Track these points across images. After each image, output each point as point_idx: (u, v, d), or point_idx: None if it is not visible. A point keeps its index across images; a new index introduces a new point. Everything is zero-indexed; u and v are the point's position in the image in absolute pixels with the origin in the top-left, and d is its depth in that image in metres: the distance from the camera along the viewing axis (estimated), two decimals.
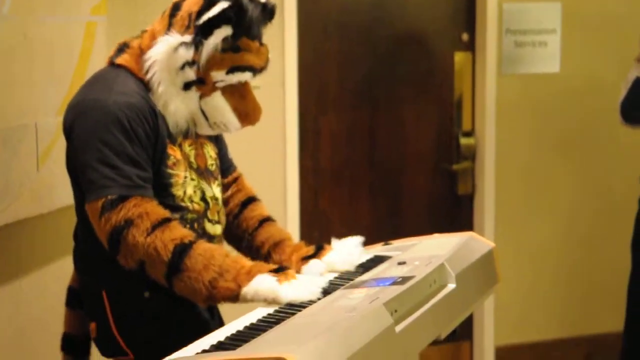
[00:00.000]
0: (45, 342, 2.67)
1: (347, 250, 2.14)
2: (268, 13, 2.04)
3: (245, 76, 2.02)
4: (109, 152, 1.90)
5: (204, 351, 1.59)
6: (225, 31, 1.95)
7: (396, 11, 4.10)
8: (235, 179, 2.32)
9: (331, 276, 2.05)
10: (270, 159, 3.78)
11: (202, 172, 2.11)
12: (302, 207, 3.95)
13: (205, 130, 2.08)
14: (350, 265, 2.11)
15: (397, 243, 2.36)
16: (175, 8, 2.01)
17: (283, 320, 1.70)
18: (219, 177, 2.21)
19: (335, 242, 2.18)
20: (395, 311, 1.69)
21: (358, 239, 2.20)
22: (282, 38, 3.78)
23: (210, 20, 1.94)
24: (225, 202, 2.27)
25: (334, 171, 4.09)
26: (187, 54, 1.95)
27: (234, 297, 1.86)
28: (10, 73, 2.51)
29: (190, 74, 1.98)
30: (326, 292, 1.88)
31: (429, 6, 4.16)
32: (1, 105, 2.47)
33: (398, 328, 1.67)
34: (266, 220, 2.28)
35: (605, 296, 4.48)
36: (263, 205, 2.34)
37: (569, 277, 4.44)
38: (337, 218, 4.09)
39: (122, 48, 2.07)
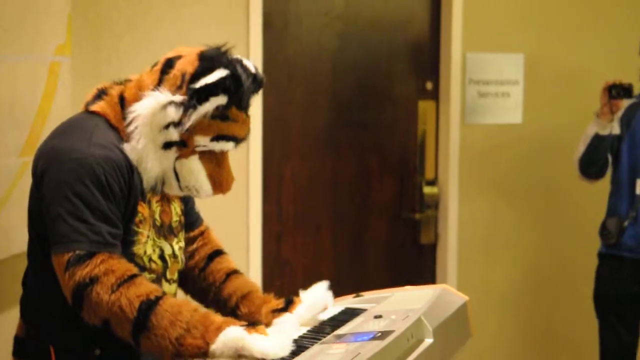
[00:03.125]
0: None
1: (313, 298, 2.11)
2: (257, 85, 2.01)
3: (229, 146, 1.98)
4: (82, 206, 1.84)
5: None
6: (220, 100, 1.90)
7: (360, 59, 4.10)
8: (202, 232, 2.27)
9: (302, 330, 2.00)
10: (233, 205, 3.72)
11: (164, 230, 2.06)
12: (265, 254, 3.89)
13: (173, 191, 2.03)
14: (317, 311, 2.08)
15: (368, 295, 2.32)
16: (168, 64, 1.95)
17: None
18: (181, 234, 2.16)
19: (302, 294, 2.14)
20: None
21: (324, 284, 2.16)
22: None
23: (207, 86, 1.89)
24: (191, 255, 2.23)
25: (297, 218, 4.05)
26: (175, 114, 1.89)
27: (203, 354, 1.79)
28: None
29: (174, 135, 1.92)
30: (299, 346, 1.82)
31: (393, 54, 4.17)
32: None
33: None
34: (233, 272, 2.23)
35: (567, 345, 4.47)
36: (230, 259, 2.29)
37: (530, 325, 4.44)
38: (300, 266, 4.04)
39: (100, 95, 2.01)
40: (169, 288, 2.07)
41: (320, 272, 4.07)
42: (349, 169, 4.13)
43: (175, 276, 2.10)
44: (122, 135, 1.95)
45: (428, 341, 1.91)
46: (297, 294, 2.15)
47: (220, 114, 1.93)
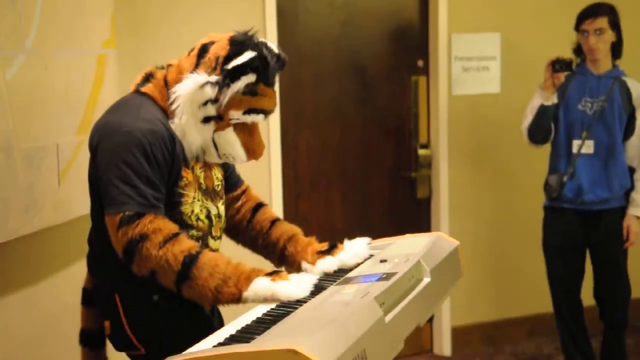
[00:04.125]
0: (65, 337, 2.59)
1: (356, 251, 2.09)
2: (281, 64, 1.99)
3: (259, 118, 1.96)
4: (130, 172, 1.84)
5: (220, 344, 1.53)
6: (250, 78, 1.90)
7: (361, 42, 4.08)
8: (244, 191, 2.26)
9: (317, 276, 1.99)
10: (258, 170, 3.73)
11: (209, 193, 2.06)
12: (285, 210, 3.91)
13: (213, 159, 2.02)
14: (359, 259, 2.06)
15: (375, 242, 2.31)
16: (204, 49, 1.94)
17: (286, 315, 1.65)
18: (224, 196, 2.15)
19: (346, 242, 2.13)
20: (383, 304, 1.66)
21: (365, 239, 2.15)
22: None
23: (238, 66, 1.88)
24: (238, 210, 2.22)
25: (311, 180, 4.05)
26: (211, 92, 1.89)
27: (237, 300, 1.80)
28: (33, 100, 2.44)
29: (211, 110, 1.92)
30: (317, 288, 1.84)
31: (388, 37, 4.14)
32: (25, 128, 2.39)
33: (387, 318, 1.63)
34: (277, 220, 2.23)
35: (544, 282, 4.49)
36: (270, 209, 2.28)
37: (510, 266, 4.44)
38: (315, 220, 4.05)
39: (148, 78, 2.01)
40: (214, 244, 2.06)
41: (332, 224, 4.08)
42: (353, 137, 4.12)
43: (219, 233, 2.09)
44: (167, 112, 1.94)
45: (426, 280, 1.92)
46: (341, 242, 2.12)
47: (250, 90, 1.91)
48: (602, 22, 3.50)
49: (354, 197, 4.15)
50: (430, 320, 2.07)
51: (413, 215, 4.27)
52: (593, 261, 3.72)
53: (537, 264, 4.44)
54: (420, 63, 4.19)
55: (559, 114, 3.60)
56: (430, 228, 4.26)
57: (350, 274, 1.94)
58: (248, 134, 1.99)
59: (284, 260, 2.15)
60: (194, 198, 1.99)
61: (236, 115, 1.94)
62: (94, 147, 1.93)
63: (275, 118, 3.79)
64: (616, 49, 3.59)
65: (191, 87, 1.89)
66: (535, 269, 4.45)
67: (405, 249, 2.08)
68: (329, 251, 2.08)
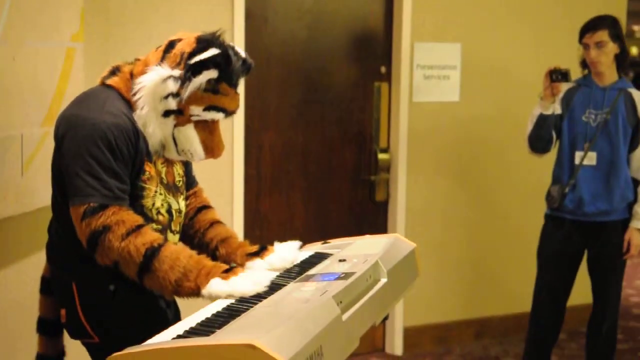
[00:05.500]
0: (25, 324, 2.55)
1: (285, 255, 2.06)
2: (247, 67, 2.00)
3: (218, 115, 1.96)
4: (95, 164, 1.83)
5: (179, 336, 1.52)
6: (211, 73, 1.89)
7: (326, 47, 4.09)
8: (195, 192, 2.26)
9: (276, 272, 1.98)
10: (221, 168, 3.71)
11: (171, 187, 2.05)
12: (246, 209, 3.89)
13: (172, 154, 2.01)
14: (286, 263, 2.03)
15: (334, 242, 2.32)
16: (170, 45, 1.94)
17: (246, 310, 1.64)
18: (184, 192, 2.15)
19: (276, 245, 2.11)
20: (341, 302, 1.66)
21: (296, 243, 2.13)
22: None
23: (201, 61, 1.88)
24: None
25: (273, 179, 4.04)
26: (173, 86, 1.89)
27: (196, 294, 1.81)
28: (0, 90, 2.39)
29: (172, 104, 1.91)
30: (276, 284, 1.84)
31: (353, 43, 4.15)
32: None
33: (344, 317, 1.64)
34: (216, 222, 2.22)
35: (491, 286, 4.54)
36: (215, 212, 2.27)
37: (462, 269, 4.49)
38: (275, 219, 4.04)
39: (114, 71, 2.00)
40: (173, 238, 2.06)
41: (293, 224, 4.08)
42: (316, 139, 4.13)
43: (178, 228, 2.10)
44: (132, 105, 1.94)
45: (383, 280, 1.93)
46: (272, 244, 2.11)
47: (212, 87, 1.91)
48: (603, 35, 3.44)
49: (315, 197, 4.15)
50: (385, 320, 2.08)
51: (371, 217, 4.29)
52: (590, 272, 3.65)
53: (488, 267, 4.50)
54: (383, 69, 4.22)
55: (563, 125, 3.55)
56: (387, 230, 4.27)
57: (310, 272, 1.94)
58: (208, 132, 1.98)
59: (215, 260, 2.10)
60: (156, 192, 1.98)
61: (197, 111, 1.93)
62: (59, 138, 1.92)
63: (239, 117, 3.78)
64: (621, 61, 3.52)
65: (154, 79, 1.89)
66: (485, 271, 4.52)
67: (364, 250, 2.08)
68: (258, 253, 2.07)
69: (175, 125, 1.94)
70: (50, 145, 2.00)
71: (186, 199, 2.23)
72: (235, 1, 3.71)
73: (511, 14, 4.42)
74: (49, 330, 2.16)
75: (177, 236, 2.10)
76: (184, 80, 1.88)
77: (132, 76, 1.96)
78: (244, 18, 3.75)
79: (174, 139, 1.96)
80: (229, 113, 1.98)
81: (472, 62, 4.34)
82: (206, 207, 2.25)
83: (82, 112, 1.89)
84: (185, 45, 1.92)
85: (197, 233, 2.19)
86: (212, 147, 2.00)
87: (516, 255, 4.53)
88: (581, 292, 3.87)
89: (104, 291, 1.95)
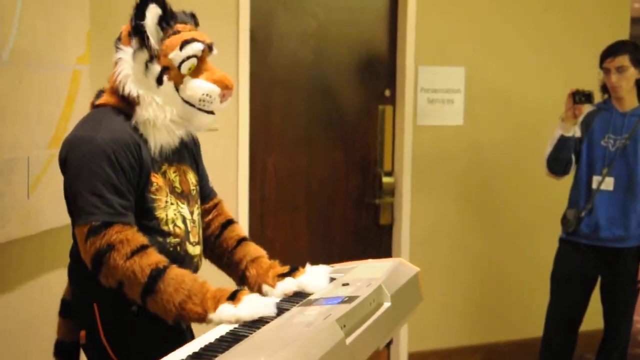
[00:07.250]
0: (31, 346, 2.55)
1: (317, 276, 2.05)
2: (190, 15, 2.03)
3: (197, 46, 1.95)
4: (96, 181, 1.83)
5: None
6: (153, 10, 1.91)
7: (330, 70, 4.11)
8: (216, 205, 2.24)
9: (279, 299, 1.98)
10: (225, 190, 3.71)
11: (186, 196, 2.04)
12: (250, 232, 3.90)
13: (198, 119, 1.98)
14: (318, 289, 2.01)
15: (337, 266, 2.31)
16: (118, 39, 1.98)
17: (250, 333, 1.64)
18: (199, 201, 2.14)
19: (308, 267, 2.09)
20: (344, 326, 1.65)
21: (326, 268, 2.12)
22: (237, 90, 3.74)
23: (138, 6, 1.89)
24: (208, 225, 2.20)
25: (277, 202, 4.05)
26: (143, 55, 1.90)
27: (202, 319, 1.80)
28: (6, 112, 2.42)
29: (156, 68, 1.91)
30: (280, 309, 1.83)
31: (357, 67, 4.17)
32: None
33: (348, 340, 1.63)
34: (243, 239, 2.20)
35: (498, 312, 4.53)
36: (240, 227, 2.25)
37: (468, 294, 4.47)
38: (279, 242, 4.04)
39: (100, 93, 2.02)
40: (194, 250, 2.04)
41: (297, 247, 4.08)
42: (320, 162, 4.14)
43: (197, 239, 2.06)
44: (130, 114, 1.94)
45: (387, 304, 1.92)
46: (303, 265, 2.09)
47: (172, 31, 1.94)
48: (623, 59, 3.43)
49: (319, 220, 4.15)
50: (389, 344, 2.07)
51: (375, 241, 4.28)
52: (602, 299, 3.64)
53: (494, 292, 4.48)
54: (387, 93, 4.23)
55: (582, 149, 3.54)
56: (391, 254, 4.27)
57: (313, 297, 1.94)
58: (205, 71, 1.97)
59: (245, 281, 2.12)
60: (167, 202, 1.97)
61: (176, 55, 1.92)
62: (62, 161, 1.93)
63: (244, 139, 3.80)
64: None
65: (125, 65, 1.91)
66: (491, 296, 4.50)
67: (367, 274, 2.08)
68: (290, 273, 2.06)
69: (176, 89, 1.93)
70: (56, 167, 2.01)
71: (208, 212, 2.21)
72: (240, 23, 3.74)
73: (514, 38, 4.44)
74: (67, 354, 2.15)
75: (198, 247, 2.07)
76: (142, 40, 1.89)
77: (112, 88, 1.97)
78: (249, 40, 3.78)
79: (187, 102, 1.95)
80: (206, 45, 1.98)
81: (476, 86, 4.36)
82: (230, 222, 2.23)
83: (81, 133, 1.91)
84: (125, 27, 1.95)
85: (225, 252, 2.18)
86: (219, 78, 1.97)
87: (522, 280, 4.51)
88: (590, 317, 3.85)
89: (126, 312, 1.94)
